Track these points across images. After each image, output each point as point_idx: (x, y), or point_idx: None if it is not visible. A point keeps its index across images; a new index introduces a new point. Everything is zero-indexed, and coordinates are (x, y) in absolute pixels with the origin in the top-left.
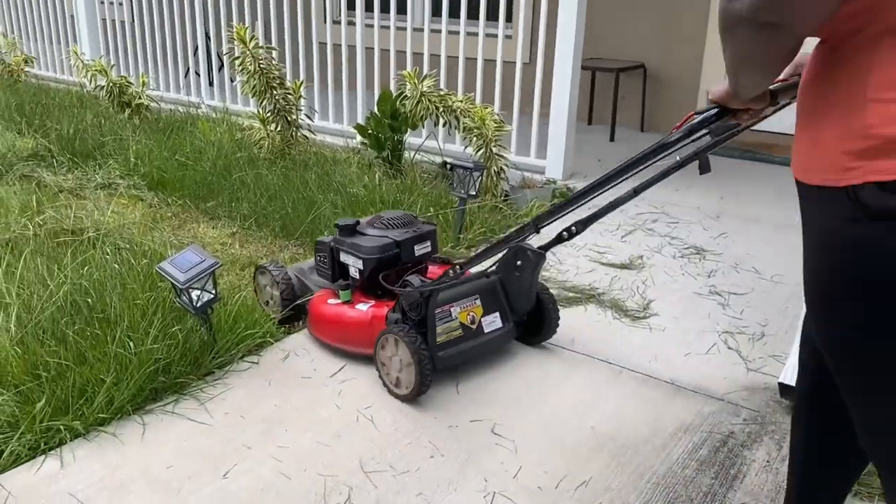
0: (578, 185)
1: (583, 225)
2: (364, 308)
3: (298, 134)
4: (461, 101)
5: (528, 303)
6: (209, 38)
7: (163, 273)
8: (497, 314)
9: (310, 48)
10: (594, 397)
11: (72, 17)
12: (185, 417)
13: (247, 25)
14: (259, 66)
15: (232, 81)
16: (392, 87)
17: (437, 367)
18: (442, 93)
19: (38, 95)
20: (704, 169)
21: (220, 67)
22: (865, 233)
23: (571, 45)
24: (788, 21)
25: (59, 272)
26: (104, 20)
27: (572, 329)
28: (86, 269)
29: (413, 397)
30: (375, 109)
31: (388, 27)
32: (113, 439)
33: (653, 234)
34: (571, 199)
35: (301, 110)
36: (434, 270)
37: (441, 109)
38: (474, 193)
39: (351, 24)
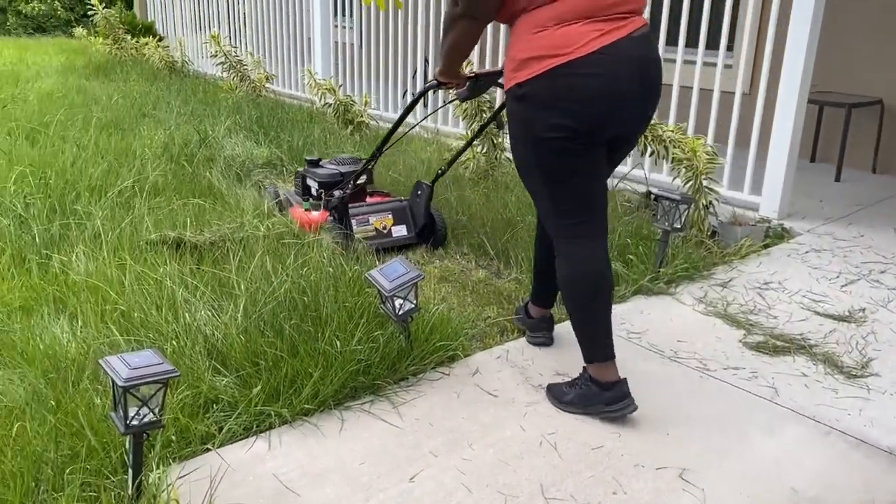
0: (796, 226)
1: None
2: (315, 214)
3: (503, 156)
4: (672, 131)
5: (423, 218)
6: (427, 62)
7: (371, 280)
8: (404, 226)
9: None
10: (797, 455)
11: (309, 39)
12: (379, 418)
13: None
14: None
15: (444, 104)
16: None
17: (351, 248)
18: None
19: (275, 110)
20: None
21: (435, 90)
22: (512, 107)
23: (799, 76)
24: (482, 14)
25: (282, 271)
26: (335, 43)
27: (777, 379)
28: (304, 270)
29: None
30: None
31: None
32: (315, 430)
33: (879, 285)
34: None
35: (507, 134)
36: (373, 198)
37: (650, 139)
38: (679, 227)
39: None
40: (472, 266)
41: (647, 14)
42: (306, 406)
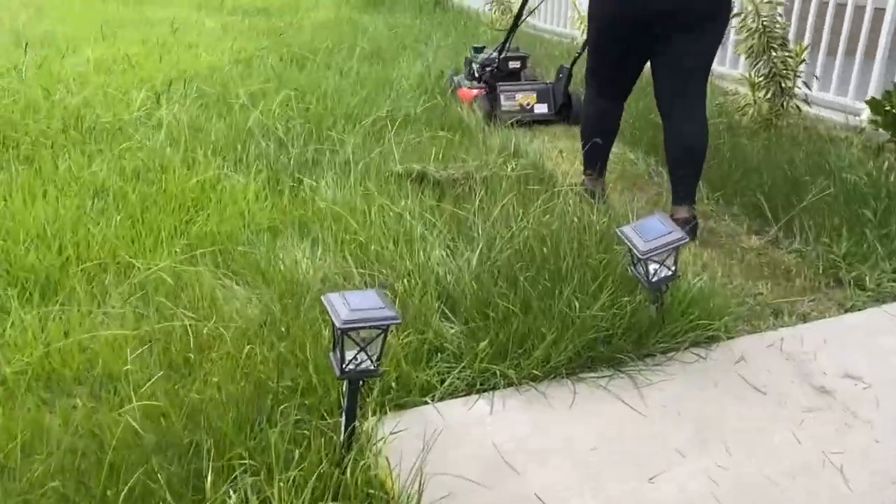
0: None
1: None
2: (474, 91)
3: (790, 104)
4: None
5: (562, 97)
6: None
7: (622, 237)
8: (545, 104)
9: (824, 7)
10: None
11: None
12: (618, 398)
13: None
14: (762, 24)
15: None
16: None
17: (498, 118)
18: None
19: (532, 44)
20: None
21: None
22: None
23: None
24: None
25: (523, 217)
26: None
27: None
28: (546, 217)
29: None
30: None
31: None
32: (542, 399)
33: None
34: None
35: (799, 76)
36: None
37: None
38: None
39: None
40: (742, 230)
41: None
42: (535, 371)
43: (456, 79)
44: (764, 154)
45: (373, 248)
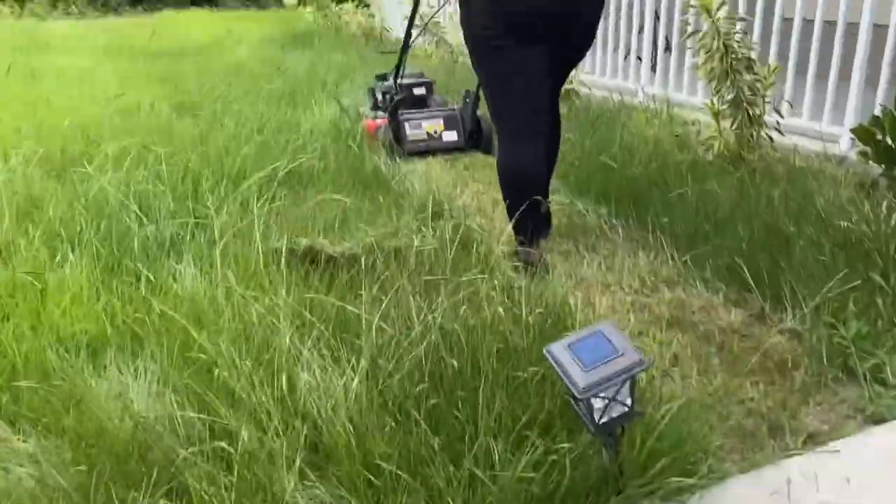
0: None
1: None
2: (378, 121)
3: (761, 134)
4: None
5: (471, 123)
6: (658, 17)
7: (552, 362)
8: (454, 131)
9: (790, 22)
10: None
11: None
12: None
13: None
14: (723, 44)
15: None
16: None
17: (404, 150)
18: None
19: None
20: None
21: (667, 49)
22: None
23: None
24: None
25: (432, 311)
26: None
27: None
28: (462, 309)
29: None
30: (893, 105)
31: None
32: None
33: None
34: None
35: (769, 103)
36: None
37: None
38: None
39: None
40: (719, 300)
41: None
42: None
43: (361, 110)
44: (737, 198)
45: (217, 372)
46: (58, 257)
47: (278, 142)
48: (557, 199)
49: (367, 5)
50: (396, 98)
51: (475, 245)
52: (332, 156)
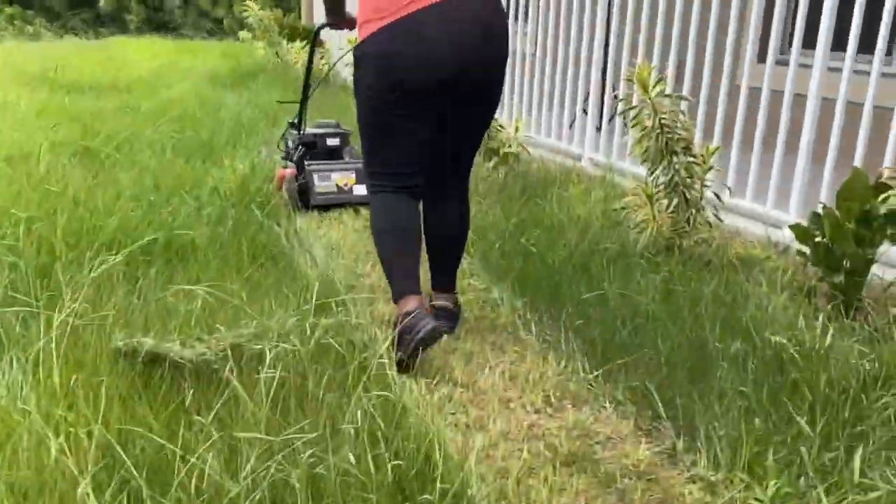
0: None
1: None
2: (287, 170)
3: (698, 219)
4: None
5: None
6: (605, 74)
7: None
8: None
9: (735, 96)
10: None
11: None
12: None
13: (654, 65)
14: (660, 122)
15: (623, 135)
16: (864, 166)
17: (312, 203)
18: None
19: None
20: None
21: (612, 118)
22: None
23: None
24: None
25: (272, 451)
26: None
27: None
28: (314, 452)
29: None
30: (834, 203)
31: (867, 73)
32: None
33: None
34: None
35: (707, 186)
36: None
37: None
38: None
39: (805, 66)
40: (628, 429)
41: None
42: None
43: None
44: (663, 298)
45: None
46: None
47: (172, 203)
48: (474, 284)
49: (321, 44)
50: (302, 148)
51: (355, 351)
52: (230, 221)
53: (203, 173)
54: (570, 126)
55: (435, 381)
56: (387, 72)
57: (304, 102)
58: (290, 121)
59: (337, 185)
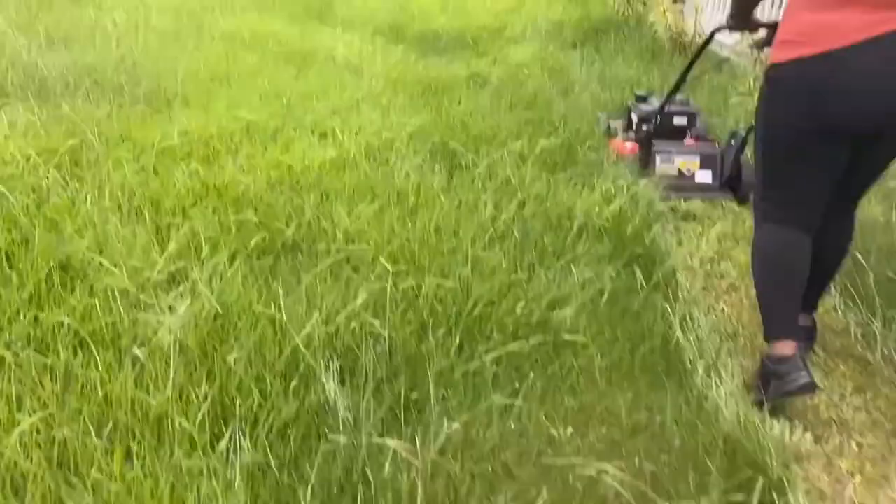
0: None
1: None
2: (628, 146)
3: None
4: None
5: (731, 169)
6: None
7: None
8: (710, 171)
9: None
10: None
11: None
12: None
13: None
14: None
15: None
16: None
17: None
18: None
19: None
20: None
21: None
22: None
23: None
24: None
25: None
26: None
27: None
28: None
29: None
30: None
31: None
32: None
33: None
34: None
35: None
36: (690, 141)
37: None
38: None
39: None
40: None
41: None
42: None
43: (612, 124)
44: None
45: None
46: None
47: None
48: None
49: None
50: (646, 126)
51: None
52: (605, 293)
53: (568, 198)
54: None
55: None
56: (813, 110)
57: (682, 79)
58: (638, 93)
59: (678, 170)
